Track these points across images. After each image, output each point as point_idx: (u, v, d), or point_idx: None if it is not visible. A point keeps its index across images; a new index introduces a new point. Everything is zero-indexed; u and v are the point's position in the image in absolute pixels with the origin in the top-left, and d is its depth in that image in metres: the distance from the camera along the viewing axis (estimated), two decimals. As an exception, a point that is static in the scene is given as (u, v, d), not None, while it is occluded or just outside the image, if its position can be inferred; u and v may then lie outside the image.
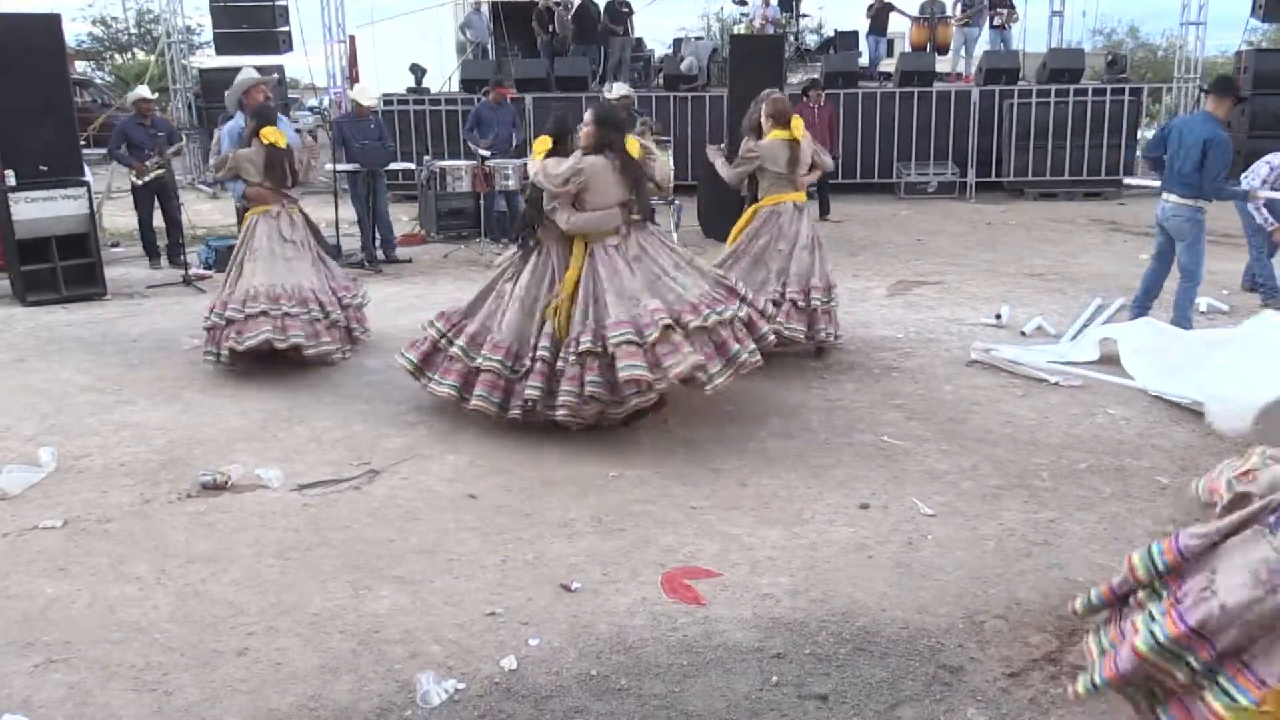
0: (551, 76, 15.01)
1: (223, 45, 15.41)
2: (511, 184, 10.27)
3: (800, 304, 6.11)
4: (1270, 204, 7.47)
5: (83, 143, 9.62)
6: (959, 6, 16.61)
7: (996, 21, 16.26)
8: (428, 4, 20.62)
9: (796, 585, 3.54)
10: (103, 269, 8.72)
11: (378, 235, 10.01)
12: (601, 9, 16.50)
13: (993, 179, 14.35)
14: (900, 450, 4.83)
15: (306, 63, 30.32)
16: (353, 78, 16.34)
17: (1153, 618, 2.50)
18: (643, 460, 4.70)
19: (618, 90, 11.04)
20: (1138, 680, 2.52)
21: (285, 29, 15.33)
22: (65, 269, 8.39)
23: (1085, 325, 6.95)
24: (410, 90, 14.67)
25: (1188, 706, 2.42)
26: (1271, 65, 14.18)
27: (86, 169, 8.99)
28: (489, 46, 16.73)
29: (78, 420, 5.37)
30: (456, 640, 3.22)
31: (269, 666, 3.09)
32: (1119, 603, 2.72)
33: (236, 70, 8.38)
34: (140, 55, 28.42)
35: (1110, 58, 16.10)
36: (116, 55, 30.77)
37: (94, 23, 30.01)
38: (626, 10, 16.66)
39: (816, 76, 14.48)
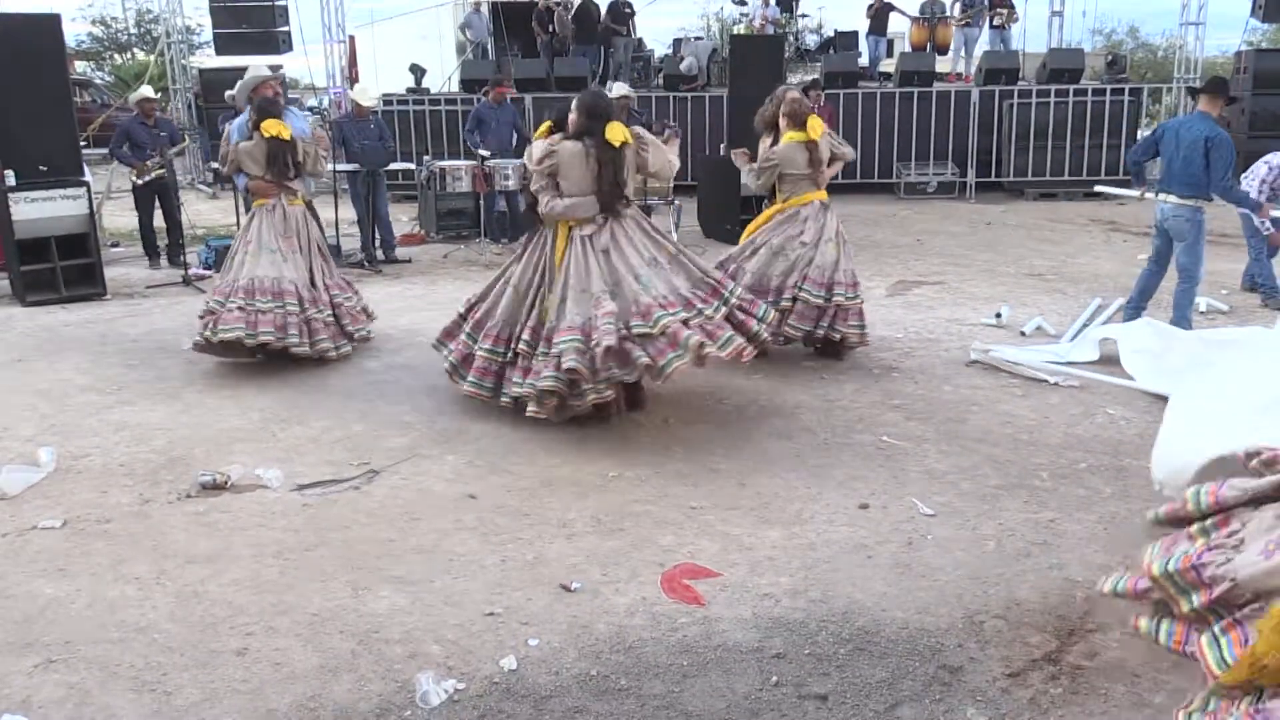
0: (551, 76, 15.00)
1: (222, 45, 15.42)
2: (511, 184, 10.26)
3: (818, 299, 6.02)
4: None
5: (82, 143, 9.62)
6: (959, 6, 16.61)
7: (996, 21, 16.26)
8: (428, 4, 20.64)
9: (796, 585, 3.54)
10: (102, 269, 8.72)
11: (377, 235, 10.01)
12: (604, 9, 16.51)
13: (992, 179, 14.35)
14: (900, 450, 4.83)
15: (306, 63, 30.26)
16: (352, 78, 16.32)
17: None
18: (642, 460, 4.70)
19: (618, 90, 11.06)
20: (1153, 597, 2.76)
21: (285, 29, 15.34)
22: (65, 269, 8.39)
23: (1085, 325, 6.95)
24: (410, 90, 14.68)
25: (1187, 634, 2.61)
26: (1271, 65, 14.18)
27: (86, 169, 8.99)
28: (489, 46, 16.73)
29: (77, 420, 5.37)
30: (456, 640, 3.22)
31: (268, 666, 3.09)
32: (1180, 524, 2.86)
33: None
34: (140, 55, 28.43)
35: (1110, 58, 16.12)
36: (116, 55, 30.76)
37: (94, 23, 30.06)
38: (629, 10, 16.67)
39: (816, 76, 14.47)
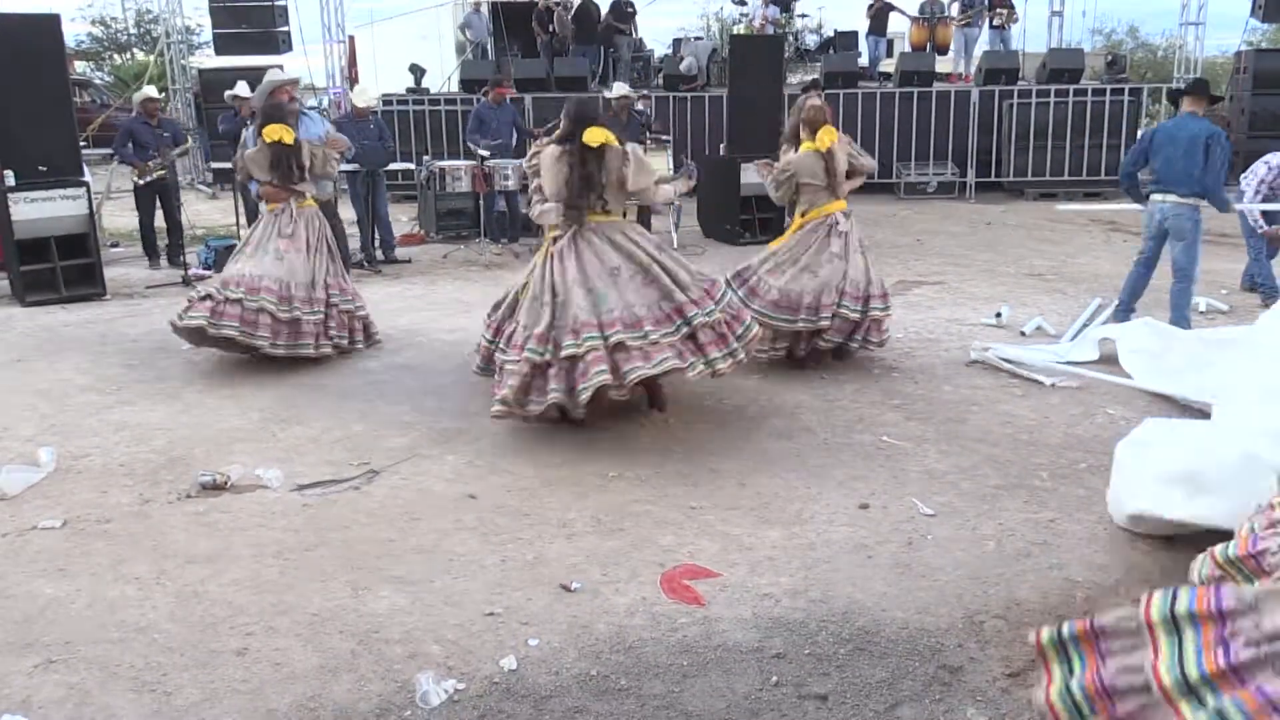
0: (551, 77, 15.01)
1: (222, 45, 15.42)
2: (511, 184, 10.27)
3: (855, 314, 5.86)
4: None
5: (82, 143, 9.63)
6: (958, 7, 16.62)
7: (996, 22, 16.28)
8: (428, 4, 20.63)
9: (796, 585, 3.54)
10: (102, 269, 8.72)
11: (377, 235, 10.02)
12: (605, 9, 16.51)
13: (992, 179, 14.36)
14: (900, 450, 4.83)
15: (306, 63, 30.22)
16: (352, 78, 16.32)
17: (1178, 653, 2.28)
18: (642, 460, 4.70)
19: (618, 90, 11.07)
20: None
21: (285, 29, 15.35)
22: (65, 269, 8.40)
23: (1085, 325, 6.95)
24: (410, 90, 14.68)
25: None
26: (1271, 65, 14.20)
27: (86, 169, 8.99)
28: (489, 46, 16.73)
29: (77, 420, 5.37)
30: (456, 640, 3.22)
31: (268, 667, 3.09)
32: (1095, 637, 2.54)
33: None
34: (140, 55, 28.40)
35: (1110, 58, 16.14)
36: (116, 55, 30.75)
37: (93, 23, 30.03)
38: (631, 10, 16.67)
39: (816, 77, 14.49)
